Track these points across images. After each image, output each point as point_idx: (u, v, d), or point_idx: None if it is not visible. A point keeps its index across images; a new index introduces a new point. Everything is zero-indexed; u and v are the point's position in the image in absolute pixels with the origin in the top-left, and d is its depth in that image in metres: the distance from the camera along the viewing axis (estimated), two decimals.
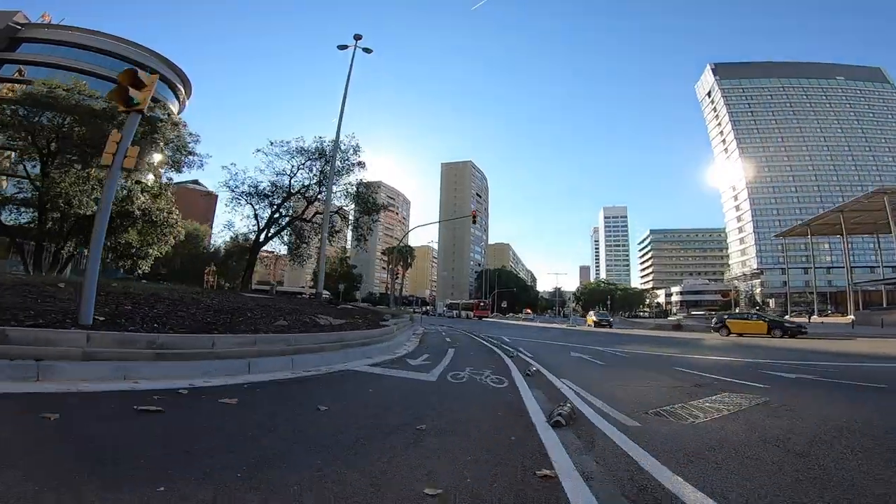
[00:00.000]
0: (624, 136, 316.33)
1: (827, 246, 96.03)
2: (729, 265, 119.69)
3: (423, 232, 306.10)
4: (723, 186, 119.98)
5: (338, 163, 22.76)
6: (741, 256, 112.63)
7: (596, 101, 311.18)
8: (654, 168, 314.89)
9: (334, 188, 23.59)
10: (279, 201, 25.54)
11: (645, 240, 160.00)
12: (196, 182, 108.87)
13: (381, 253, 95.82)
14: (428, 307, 73.86)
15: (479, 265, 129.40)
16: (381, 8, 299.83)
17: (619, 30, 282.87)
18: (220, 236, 55.96)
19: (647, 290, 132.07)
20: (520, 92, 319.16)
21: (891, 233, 48.78)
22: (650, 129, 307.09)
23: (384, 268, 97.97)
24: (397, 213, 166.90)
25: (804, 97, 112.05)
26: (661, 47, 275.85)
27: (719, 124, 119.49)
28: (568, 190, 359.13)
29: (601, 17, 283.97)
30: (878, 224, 55.68)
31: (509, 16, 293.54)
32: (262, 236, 26.01)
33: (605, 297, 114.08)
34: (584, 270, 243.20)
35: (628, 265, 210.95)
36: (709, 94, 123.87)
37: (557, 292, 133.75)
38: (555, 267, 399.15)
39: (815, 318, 52.84)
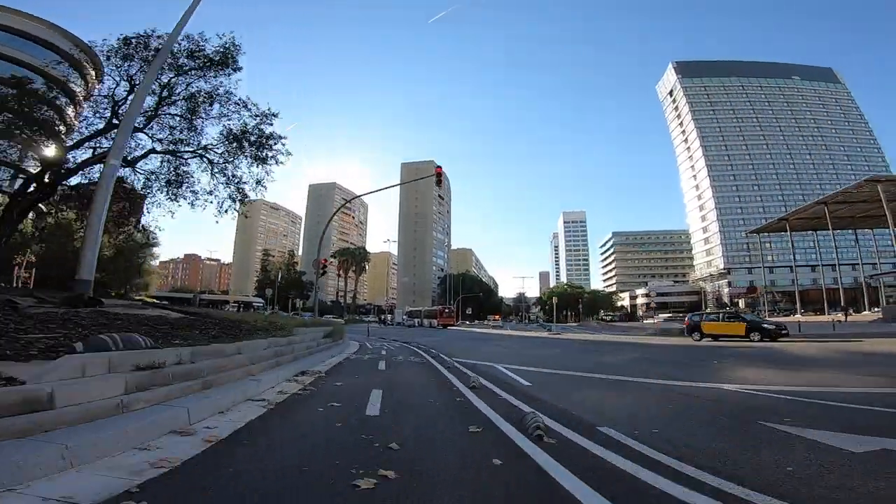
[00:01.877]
0: (583, 141, 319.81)
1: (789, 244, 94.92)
2: (693, 266, 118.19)
3: (382, 235, 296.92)
4: (686, 187, 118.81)
5: (185, 59, 14.60)
6: (706, 257, 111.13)
7: (555, 104, 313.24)
8: (615, 171, 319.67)
9: (178, 103, 15.27)
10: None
11: (607, 243, 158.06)
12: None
13: (332, 256, 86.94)
14: (386, 315, 65.87)
15: (443, 270, 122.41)
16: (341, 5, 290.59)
17: (576, 30, 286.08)
18: None
19: (613, 293, 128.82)
20: (483, 97, 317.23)
21: (883, 225, 45.73)
22: (610, 132, 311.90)
23: (339, 275, 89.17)
24: (353, 217, 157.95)
25: (763, 97, 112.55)
26: (620, 47, 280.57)
27: (681, 124, 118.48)
28: (527, 196, 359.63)
29: (559, 21, 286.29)
30: (858, 218, 53.23)
31: (469, 19, 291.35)
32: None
33: (573, 301, 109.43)
34: (543, 276, 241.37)
35: (588, 269, 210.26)
36: (671, 93, 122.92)
37: (522, 297, 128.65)
38: (515, 273, 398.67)
39: (797, 317, 48.91)
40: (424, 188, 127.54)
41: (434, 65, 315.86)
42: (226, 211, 16.44)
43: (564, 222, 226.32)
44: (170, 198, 15.75)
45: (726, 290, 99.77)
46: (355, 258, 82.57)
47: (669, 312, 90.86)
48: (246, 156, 15.67)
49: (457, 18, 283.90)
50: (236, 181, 16.16)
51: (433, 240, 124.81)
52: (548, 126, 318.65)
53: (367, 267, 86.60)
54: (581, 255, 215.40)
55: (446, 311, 58.77)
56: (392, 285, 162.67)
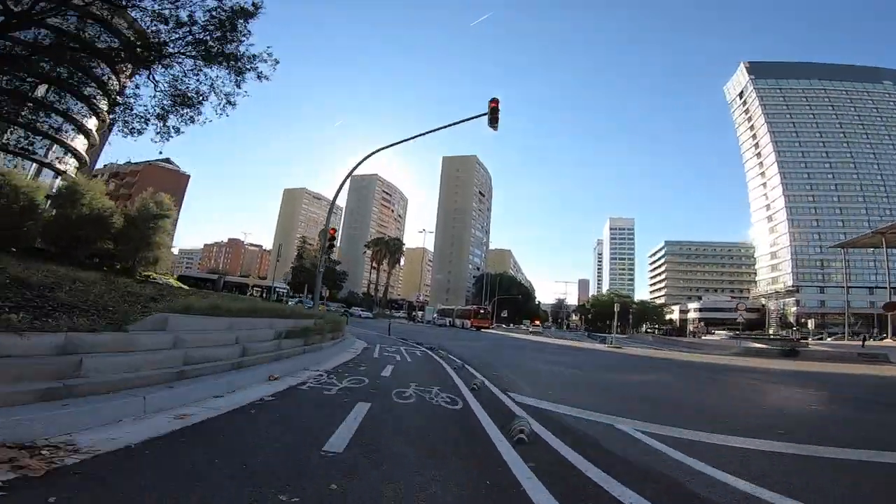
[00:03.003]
0: (635, 144, 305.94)
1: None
2: (756, 282, 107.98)
3: (417, 229, 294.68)
4: (753, 196, 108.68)
5: None
6: (772, 273, 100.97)
7: (603, 106, 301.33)
8: (668, 178, 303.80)
9: None
10: None
11: (658, 252, 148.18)
12: (168, 160, 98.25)
13: (365, 246, 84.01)
14: (416, 312, 61.79)
15: (479, 269, 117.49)
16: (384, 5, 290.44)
17: (633, 30, 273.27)
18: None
19: (664, 306, 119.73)
20: (527, 98, 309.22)
21: None
22: (666, 137, 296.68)
23: (373, 266, 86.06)
24: (392, 210, 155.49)
25: (847, 102, 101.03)
26: (682, 47, 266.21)
27: (752, 128, 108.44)
28: (569, 200, 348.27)
29: (614, 20, 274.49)
30: None
31: (516, 16, 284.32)
32: None
33: (621, 311, 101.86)
34: (583, 284, 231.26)
35: (633, 279, 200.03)
36: (740, 94, 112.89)
37: (562, 304, 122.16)
38: (550, 278, 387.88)
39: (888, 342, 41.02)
40: (465, 182, 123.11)
41: (478, 65, 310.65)
42: (161, 135, 11.53)
43: (611, 229, 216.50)
44: None
45: (793, 309, 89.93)
46: (389, 249, 79.03)
47: (725, 329, 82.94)
48: (199, 51, 10.38)
49: (500, 19, 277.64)
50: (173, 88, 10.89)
51: (471, 237, 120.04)
52: (595, 129, 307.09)
53: (401, 260, 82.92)
54: (626, 264, 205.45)
55: (481, 311, 53.54)
56: (426, 282, 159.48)
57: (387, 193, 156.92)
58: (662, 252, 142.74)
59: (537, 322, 76.10)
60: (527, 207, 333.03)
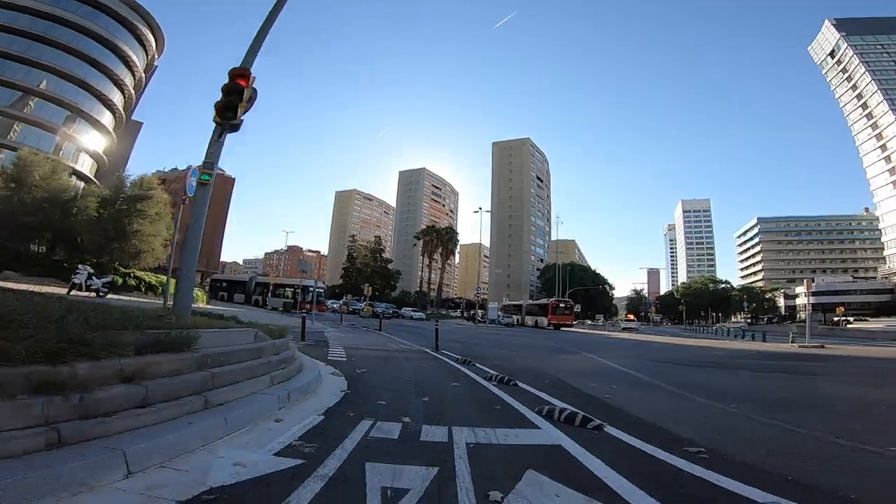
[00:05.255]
0: (701, 121, 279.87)
1: None
2: (885, 258, 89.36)
3: (475, 228, 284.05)
4: (868, 160, 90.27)
5: None
6: None
7: (666, 86, 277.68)
8: (742, 153, 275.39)
9: None
10: None
11: (748, 231, 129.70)
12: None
13: (415, 237, 76.02)
14: (475, 311, 52.63)
15: (542, 262, 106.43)
16: None
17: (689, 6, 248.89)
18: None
19: (771, 290, 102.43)
20: (584, 80, 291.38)
21: None
22: (732, 111, 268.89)
23: (423, 257, 77.96)
24: (443, 205, 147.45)
25: None
26: (753, 6, 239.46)
27: (854, 87, 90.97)
28: (634, 184, 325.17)
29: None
30: None
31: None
32: None
33: (719, 299, 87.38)
34: (652, 274, 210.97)
35: (713, 264, 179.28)
36: (832, 54, 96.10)
37: (641, 296, 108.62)
38: (617, 269, 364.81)
39: None
40: (519, 167, 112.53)
41: (534, 51, 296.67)
42: None
43: (684, 212, 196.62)
44: None
45: None
46: (441, 239, 70.36)
47: (851, 316, 67.95)
48: None
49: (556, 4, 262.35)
50: None
51: (531, 226, 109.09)
52: (658, 109, 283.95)
53: (455, 251, 74.00)
54: (705, 248, 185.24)
55: (561, 305, 42.74)
56: (483, 279, 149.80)
57: (436, 188, 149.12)
58: (755, 231, 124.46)
59: (631, 316, 64.00)
60: (584, 194, 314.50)
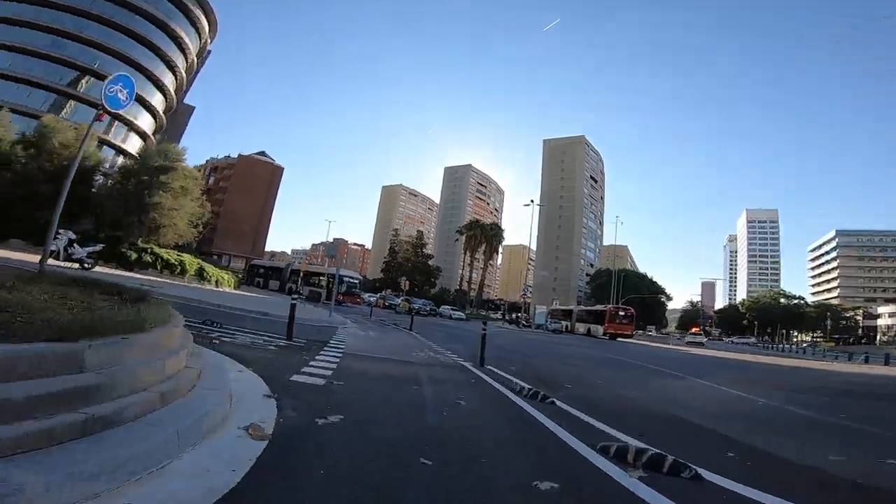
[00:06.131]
0: (769, 127, 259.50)
1: None
2: None
3: (521, 227, 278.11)
4: None
5: None
6: None
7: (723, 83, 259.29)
8: (817, 162, 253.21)
9: None
10: None
11: (825, 244, 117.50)
12: (263, 153, 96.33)
13: (458, 231, 72.47)
14: (520, 315, 48.68)
15: (592, 266, 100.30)
16: None
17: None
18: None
19: (852, 308, 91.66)
20: (645, 69, 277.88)
21: None
22: (807, 113, 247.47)
23: (464, 254, 74.39)
24: (488, 203, 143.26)
25: None
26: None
27: None
28: (692, 191, 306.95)
29: None
30: None
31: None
32: None
33: (790, 315, 78.66)
34: (707, 286, 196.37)
35: (777, 279, 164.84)
36: None
37: (698, 309, 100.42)
38: (670, 279, 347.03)
39: None
40: (572, 166, 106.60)
41: (590, 49, 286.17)
42: None
43: (748, 222, 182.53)
44: None
45: None
46: (486, 235, 66.36)
47: None
48: None
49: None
50: None
51: (583, 228, 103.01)
52: (725, 112, 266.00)
53: (499, 249, 69.87)
54: (770, 261, 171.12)
55: (621, 313, 37.51)
56: (528, 282, 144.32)
57: (481, 185, 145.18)
58: (833, 245, 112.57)
59: (696, 329, 57.72)
60: (638, 198, 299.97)
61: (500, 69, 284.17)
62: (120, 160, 36.61)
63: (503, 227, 73.77)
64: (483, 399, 5.74)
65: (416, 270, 78.36)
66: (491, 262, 77.98)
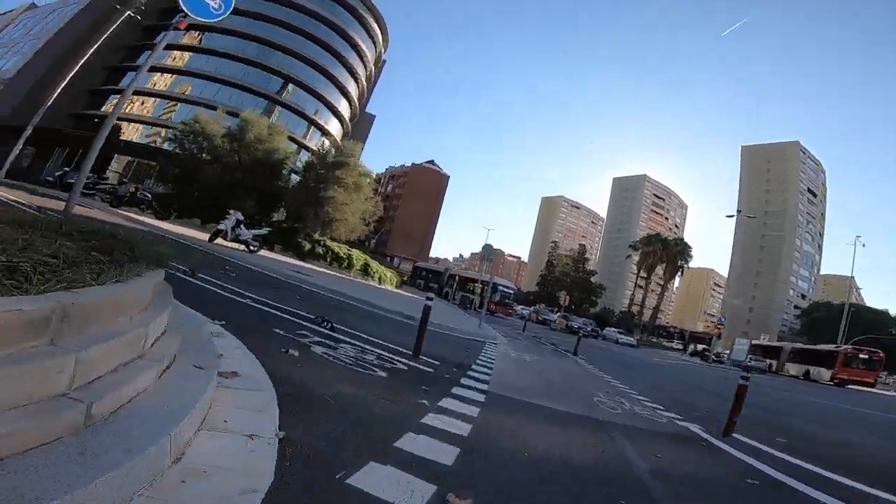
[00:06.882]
0: None
1: None
2: None
3: (704, 248, 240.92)
4: None
5: None
6: None
7: None
8: None
9: None
10: None
11: None
12: (432, 162, 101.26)
13: (631, 245, 64.27)
14: (710, 350, 40.49)
15: (804, 297, 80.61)
16: None
17: None
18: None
19: None
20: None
21: None
22: None
23: (638, 274, 65.93)
24: (666, 218, 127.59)
25: None
26: None
27: None
28: None
29: None
30: None
31: None
32: None
33: None
34: None
35: None
36: None
37: None
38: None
39: None
40: (780, 176, 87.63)
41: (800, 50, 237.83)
42: None
43: None
44: None
45: None
46: (668, 252, 56.99)
47: None
48: None
49: None
50: None
51: (794, 251, 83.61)
52: None
53: (683, 269, 59.55)
54: None
55: (862, 356, 27.06)
56: (709, 310, 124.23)
57: (658, 197, 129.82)
58: None
59: None
60: (866, 216, 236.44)
61: (674, 70, 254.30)
62: (300, 153, 39.95)
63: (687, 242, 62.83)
64: None
65: (576, 286, 72.88)
66: (669, 283, 67.79)
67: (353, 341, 5.88)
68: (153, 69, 42.41)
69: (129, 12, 25.27)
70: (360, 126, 58.51)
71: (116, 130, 40.14)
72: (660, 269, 61.01)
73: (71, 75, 26.32)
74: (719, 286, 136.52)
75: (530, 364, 10.00)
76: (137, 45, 42.37)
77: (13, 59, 41.15)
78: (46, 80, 30.64)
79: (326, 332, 5.99)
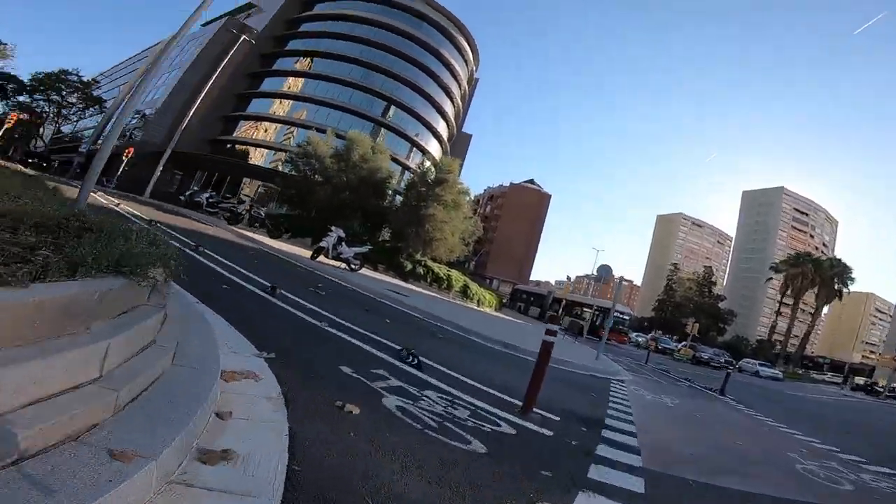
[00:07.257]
0: None
1: None
2: None
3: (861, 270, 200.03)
4: None
5: None
6: None
7: None
8: None
9: None
10: None
11: None
12: (531, 181, 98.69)
13: (772, 267, 55.09)
14: (871, 381, 33.60)
15: None
16: None
17: None
18: None
19: None
20: None
21: None
22: None
23: (780, 301, 56.59)
24: (811, 235, 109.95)
25: None
26: None
27: None
28: None
29: None
30: None
31: None
32: None
33: None
34: None
35: None
36: None
37: None
38: None
39: None
40: None
41: None
42: None
43: None
44: None
45: None
46: (821, 274, 47.32)
47: None
48: None
49: None
50: None
51: None
52: None
53: (841, 294, 49.02)
54: None
55: None
56: (869, 339, 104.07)
57: (801, 212, 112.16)
58: None
59: None
60: None
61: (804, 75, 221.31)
62: (402, 173, 40.39)
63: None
64: None
65: (700, 312, 64.86)
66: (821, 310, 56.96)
67: (441, 384, 4.45)
68: (272, 95, 46.49)
69: (243, 37, 27.25)
70: (457, 146, 58.46)
71: (245, 155, 44.39)
72: (813, 294, 51.29)
73: (198, 103, 29.01)
74: (883, 312, 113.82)
75: (676, 411, 7.78)
76: (259, 73, 46.64)
77: (161, 89, 44.96)
78: (186, 109, 33.26)
79: (410, 369, 4.65)
